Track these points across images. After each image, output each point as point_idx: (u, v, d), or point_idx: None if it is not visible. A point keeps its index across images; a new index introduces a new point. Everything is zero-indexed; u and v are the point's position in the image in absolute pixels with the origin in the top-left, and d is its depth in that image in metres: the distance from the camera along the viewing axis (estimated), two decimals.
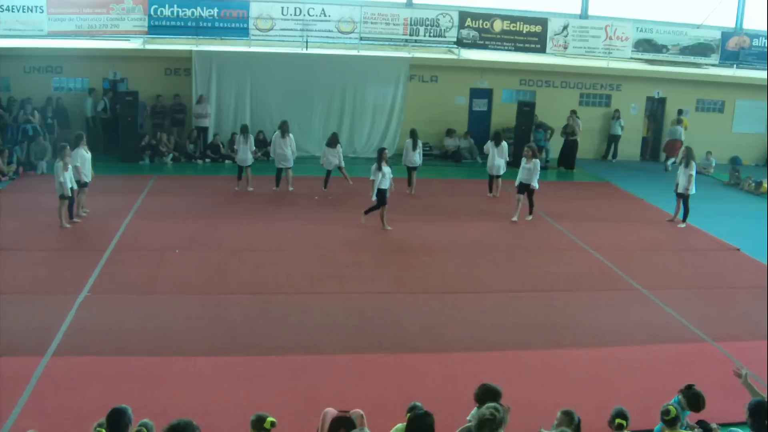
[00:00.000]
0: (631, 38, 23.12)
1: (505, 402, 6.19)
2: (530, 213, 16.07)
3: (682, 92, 23.97)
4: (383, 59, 21.92)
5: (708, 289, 12.68)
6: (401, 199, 17.27)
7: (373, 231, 14.83)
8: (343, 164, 17.93)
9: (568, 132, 21.88)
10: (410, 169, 18.15)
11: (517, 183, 16.05)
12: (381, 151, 15.10)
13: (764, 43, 23.80)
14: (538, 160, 15.92)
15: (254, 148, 17.71)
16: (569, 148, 22.01)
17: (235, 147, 17.77)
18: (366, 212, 15.09)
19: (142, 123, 20.70)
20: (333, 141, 17.88)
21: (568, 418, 6.60)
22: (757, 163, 24.24)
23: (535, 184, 15.79)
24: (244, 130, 17.49)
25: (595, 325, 10.84)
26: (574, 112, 22.30)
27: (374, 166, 14.95)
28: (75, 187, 14.12)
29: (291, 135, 17.56)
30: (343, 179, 18.00)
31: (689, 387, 6.99)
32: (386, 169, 14.86)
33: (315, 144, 21.38)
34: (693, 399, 6.88)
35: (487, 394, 6.49)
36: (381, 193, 14.83)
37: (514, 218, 15.90)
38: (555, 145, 22.61)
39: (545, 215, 16.57)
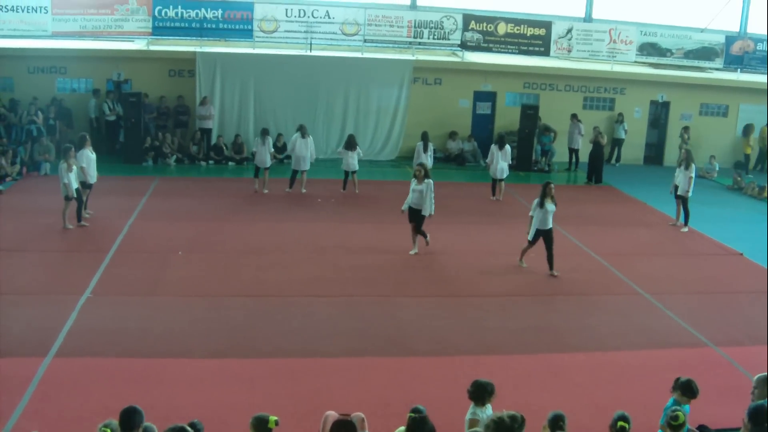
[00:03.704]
0: (635, 42, 23.12)
1: (505, 405, 6.16)
2: (414, 244, 13.66)
3: (686, 96, 23.88)
4: (387, 61, 21.92)
5: (711, 293, 12.65)
6: None
7: (374, 234, 14.82)
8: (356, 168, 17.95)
9: (598, 141, 20.46)
10: None
11: (405, 208, 13.47)
12: (546, 185, 12.73)
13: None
14: (431, 180, 13.30)
15: (272, 150, 17.77)
16: (598, 160, 20.55)
17: (254, 150, 17.85)
18: (523, 254, 13.22)
19: (147, 124, 20.74)
20: (351, 143, 17.82)
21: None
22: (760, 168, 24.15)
23: (431, 209, 13.36)
24: (264, 132, 17.58)
25: (597, 329, 10.82)
26: (575, 116, 22.07)
27: (536, 201, 12.67)
28: (80, 187, 14.10)
29: (311, 137, 17.64)
30: (351, 184, 18.00)
31: (677, 380, 6.97)
32: (550, 207, 12.57)
33: (318, 146, 21.34)
34: (687, 387, 6.84)
35: (480, 391, 6.48)
36: (539, 234, 12.68)
37: (413, 250, 13.61)
38: (560, 148, 22.57)
39: None
